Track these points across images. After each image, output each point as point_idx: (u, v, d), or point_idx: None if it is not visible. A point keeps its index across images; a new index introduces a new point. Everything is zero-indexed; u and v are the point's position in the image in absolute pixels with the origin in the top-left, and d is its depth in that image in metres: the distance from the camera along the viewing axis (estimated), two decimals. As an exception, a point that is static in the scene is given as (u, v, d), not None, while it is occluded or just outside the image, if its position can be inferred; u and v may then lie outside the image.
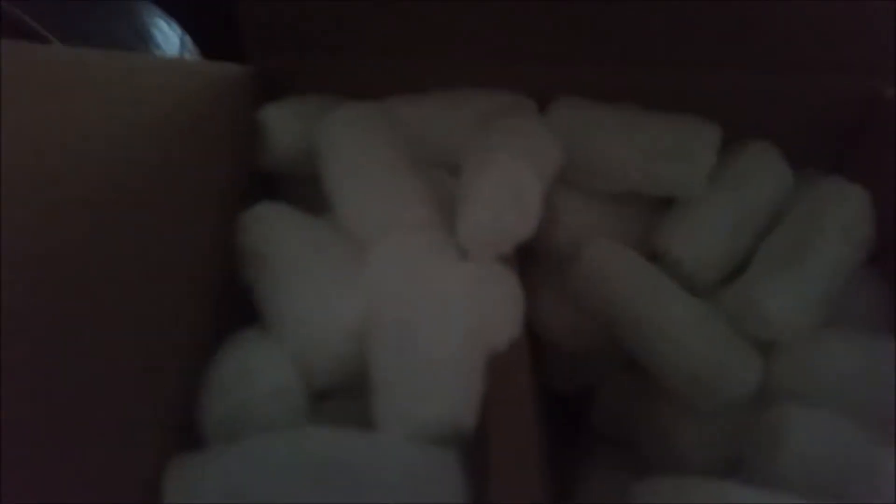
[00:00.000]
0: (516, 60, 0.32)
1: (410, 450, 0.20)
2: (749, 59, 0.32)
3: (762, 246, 0.29)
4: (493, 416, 0.22)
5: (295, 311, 0.24)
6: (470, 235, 0.25)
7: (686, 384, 0.26)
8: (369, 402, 0.22)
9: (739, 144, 0.31)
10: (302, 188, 0.30)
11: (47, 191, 0.25)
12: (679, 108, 0.31)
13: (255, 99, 0.31)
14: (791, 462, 0.23)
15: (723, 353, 0.26)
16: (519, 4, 0.30)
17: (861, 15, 0.30)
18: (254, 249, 0.26)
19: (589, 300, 0.29)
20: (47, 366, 0.22)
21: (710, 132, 0.30)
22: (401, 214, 0.25)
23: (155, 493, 0.20)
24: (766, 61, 0.32)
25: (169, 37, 0.42)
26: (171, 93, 0.29)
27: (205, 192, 0.27)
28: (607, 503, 0.29)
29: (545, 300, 0.30)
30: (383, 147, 0.27)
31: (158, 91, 0.29)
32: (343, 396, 0.24)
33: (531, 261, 0.30)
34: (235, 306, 0.26)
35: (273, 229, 0.26)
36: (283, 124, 0.30)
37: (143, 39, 0.40)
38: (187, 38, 0.43)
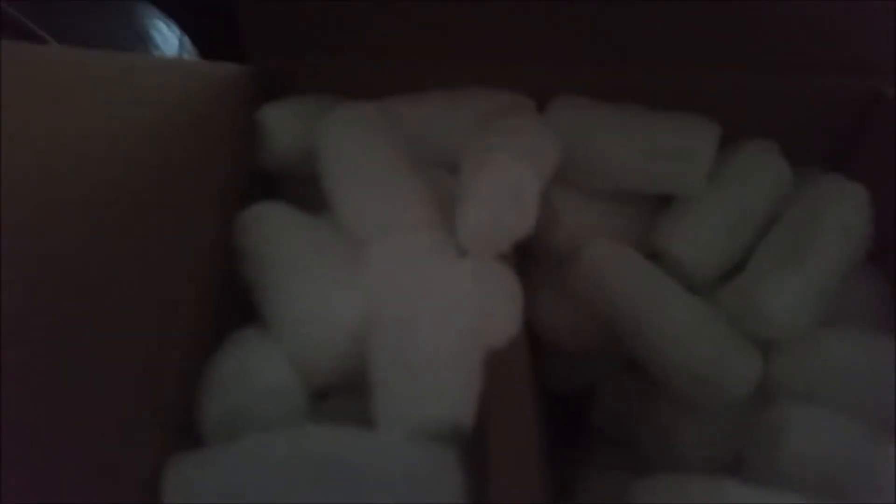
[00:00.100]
0: (516, 60, 0.32)
1: (410, 449, 0.20)
2: (749, 59, 0.32)
3: (761, 244, 0.29)
4: (492, 416, 0.22)
5: (294, 310, 0.24)
6: (469, 234, 0.25)
7: (686, 383, 0.26)
8: (369, 401, 0.22)
9: (739, 143, 0.31)
10: (301, 188, 0.30)
11: (47, 191, 0.25)
12: (679, 108, 0.31)
13: (254, 99, 0.31)
14: (791, 461, 0.23)
15: (723, 351, 0.26)
16: (519, 4, 0.30)
17: (861, 15, 0.30)
18: (253, 249, 0.26)
19: (589, 300, 0.29)
20: (47, 366, 0.22)
21: (710, 131, 0.30)
22: (400, 214, 0.25)
23: (155, 493, 0.20)
24: (766, 61, 0.32)
25: (168, 37, 0.42)
26: (171, 93, 0.29)
27: (204, 192, 0.27)
28: (607, 503, 0.29)
29: (545, 299, 0.30)
30: (383, 147, 0.27)
31: (158, 91, 0.29)
32: (342, 396, 0.24)
33: (531, 260, 0.30)
34: (235, 306, 0.26)
35: (272, 229, 0.26)
36: (283, 124, 0.30)
37: (142, 40, 0.40)
38: (186, 39, 0.43)
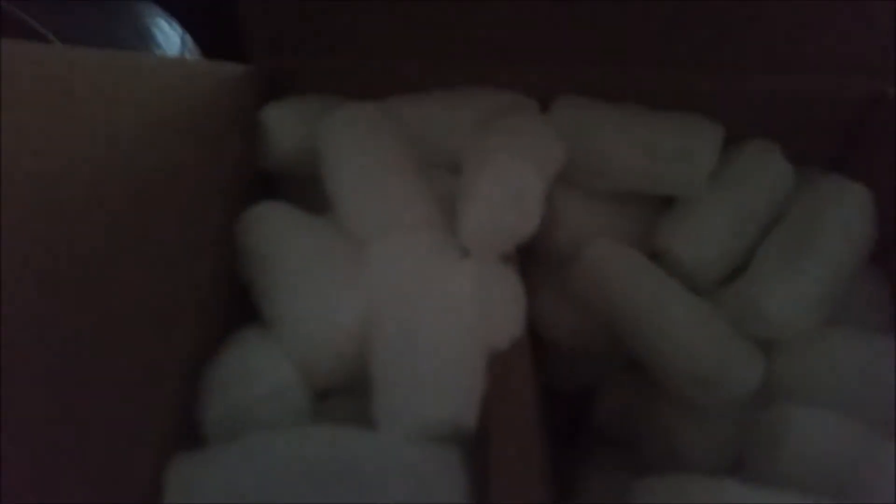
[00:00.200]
0: (517, 61, 0.32)
1: (412, 449, 0.20)
2: (749, 59, 0.32)
3: (763, 245, 0.29)
4: (494, 416, 0.22)
5: (296, 310, 0.24)
6: (471, 235, 0.25)
7: (687, 383, 0.26)
8: (370, 401, 0.22)
9: (740, 144, 0.31)
10: (302, 188, 0.30)
11: (47, 191, 0.25)
12: (679, 108, 0.31)
13: (255, 99, 0.31)
14: (792, 461, 0.23)
15: (724, 352, 0.26)
16: (520, 4, 0.30)
17: (861, 15, 0.30)
18: (254, 249, 0.26)
19: (590, 300, 0.29)
20: (47, 366, 0.22)
21: (712, 132, 0.30)
22: (401, 214, 0.25)
23: (155, 493, 0.20)
24: (766, 61, 0.32)
25: (170, 36, 0.42)
26: (172, 92, 0.29)
27: (205, 192, 0.27)
28: (608, 503, 0.29)
29: (546, 300, 0.30)
30: (384, 147, 0.27)
31: (159, 91, 0.29)
32: (344, 396, 0.24)
33: (532, 260, 0.30)
34: (236, 306, 0.26)
35: (274, 229, 0.26)
36: (284, 124, 0.30)
37: (143, 39, 0.40)
38: (188, 38, 0.43)
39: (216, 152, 0.29)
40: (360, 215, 0.26)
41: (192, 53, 0.43)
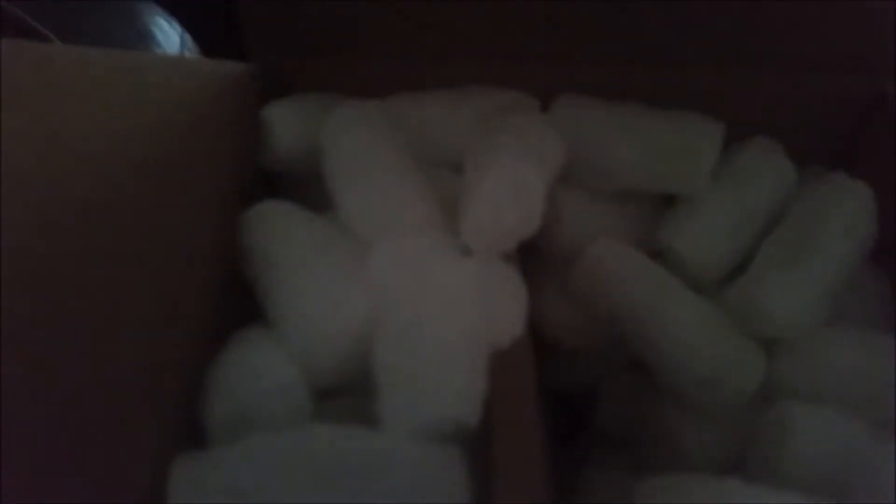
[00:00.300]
0: (518, 60, 0.32)
1: (414, 448, 0.20)
2: (749, 59, 0.32)
3: (765, 243, 0.29)
4: (496, 415, 0.22)
5: (299, 309, 0.24)
6: (473, 234, 0.25)
7: (690, 383, 0.26)
8: (373, 400, 0.22)
9: (742, 142, 0.31)
10: (304, 186, 0.30)
11: (47, 191, 0.25)
12: (680, 108, 0.31)
13: (255, 98, 0.31)
14: (794, 459, 0.23)
15: (726, 351, 0.26)
16: (520, 4, 0.30)
17: (861, 15, 0.30)
18: (257, 247, 0.26)
19: (592, 299, 0.29)
20: (47, 366, 0.22)
21: (713, 130, 0.30)
22: (403, 213, 0.25)
23: (155, 493, 0.20)
24: (766, 61, 0.32)
25: (169, 35, 0.42)
26: (172, 92, 0.29)
27: (205, 192, 0.27)
28: (609, 503, 0.29)
29: (548, 299, 0.30)
30: (386, 146, 0.27)
31: (159, 90, 0.29)
32: (347, 395, 0.24)
33: (534, 260, 0.30)
34: (237, 305, 0.26)
35: (277, 227, 0.26)
36: (286, 123, 0.30)
37: (143, 38, 0.40)
38: (188, 37, 0.43)
39: (216, 151, 0.29)
40: (361, 214, 0.26)
41: (192, 52, 0.43)
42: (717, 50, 0.32)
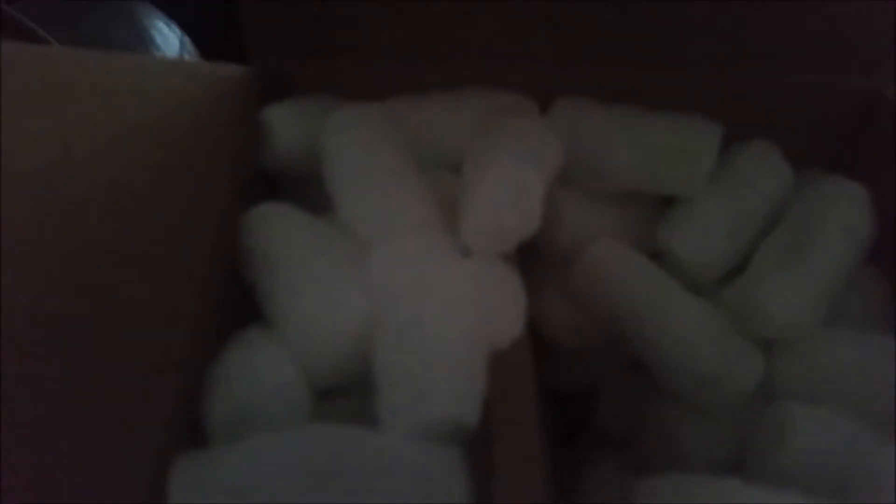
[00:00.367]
0: (517, 62, 0.32)
1: (414, 448, 0.20)
2: (749, 59, 0.32)
3: (763, 245, 0.29)
4: (496, 416, 0.22)
5: (299, 310, 0.24)
6: (473, 235, 0.25)
7: (689, 383, 0.26)
8: (373, 400, 0.22)
9: (740, 144, 0.31)
10: (304, 188, 0.30)
11: (47, 191, 0.25)
12: (679, 109, 0.31)
13: (255, 100, 0.31)
14: (793, 459, 0.23)
15: (725, 351, 0.26)
16: (520, 5, 0.31)
17: (861, 15, 0.31)
18: (257, 248, 0.26)
19: (591, 299, 0.29)
20: (47, 366, 0.22)
21: (712, 132, 0.30)
22: (403, 214, 0.25)
23: (155, 492, 0.20)
24: (766, 61, 0.32)
25: (168, 38, 0.42)
26: (172, 94, 0.29)
27: (205, 193, 0.27)
28: (609, 503, 0.29)
29: (547, 299, 0.30)
30: (385, 148, 0.27)
31: (158, 92, 0.29)
32: (347, 395, 0.24)
33: (533, 260, 0.30)
34: (237, 306, 0.26)
35: (277, 228, 0.26)
36: (286, 125, 0.30)
37: (142, 41, 0.40)
38: (187, 39, 0.43)
39: (216, 153, 0.29)
40: (361, 216, 0.26)
41: (191, 55, 0.43)
42: (717, 51, 0.32)
